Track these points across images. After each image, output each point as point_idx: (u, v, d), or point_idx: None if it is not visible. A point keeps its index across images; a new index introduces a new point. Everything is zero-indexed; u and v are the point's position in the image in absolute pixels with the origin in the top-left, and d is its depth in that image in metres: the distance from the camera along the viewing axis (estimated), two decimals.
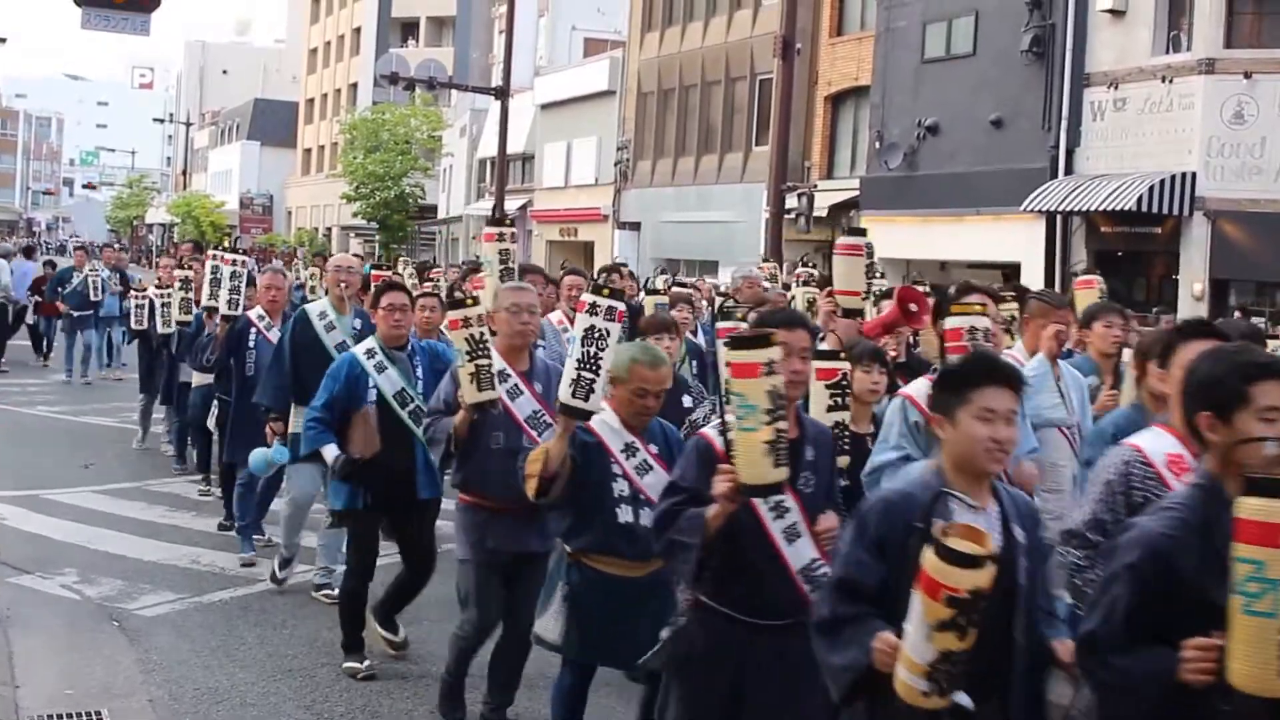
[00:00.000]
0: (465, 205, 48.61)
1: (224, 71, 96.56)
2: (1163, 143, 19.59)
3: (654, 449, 5.50)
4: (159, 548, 9.97)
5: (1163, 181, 18.92)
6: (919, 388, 5.67)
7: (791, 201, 23.68)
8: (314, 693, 6.98)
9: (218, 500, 11.75)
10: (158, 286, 14.07)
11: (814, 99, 29.02)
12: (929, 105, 24.32)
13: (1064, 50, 21.18)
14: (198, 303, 11.22)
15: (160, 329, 13.16)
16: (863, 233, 8.59)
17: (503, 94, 30.96)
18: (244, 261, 10.06)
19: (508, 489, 5.80)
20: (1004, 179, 21.86)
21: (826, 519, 4.52)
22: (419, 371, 7.37)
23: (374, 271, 11.42)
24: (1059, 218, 21.22)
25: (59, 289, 20.00)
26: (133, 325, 14.45)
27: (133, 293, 14.94)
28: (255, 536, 9.86)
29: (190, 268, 12.20)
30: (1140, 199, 18.87)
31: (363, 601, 7.35)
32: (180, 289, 11.87)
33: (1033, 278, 19.84)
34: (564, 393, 5.29)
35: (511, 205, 37.82)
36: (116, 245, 34.93)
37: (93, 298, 19.37)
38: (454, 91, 45.42)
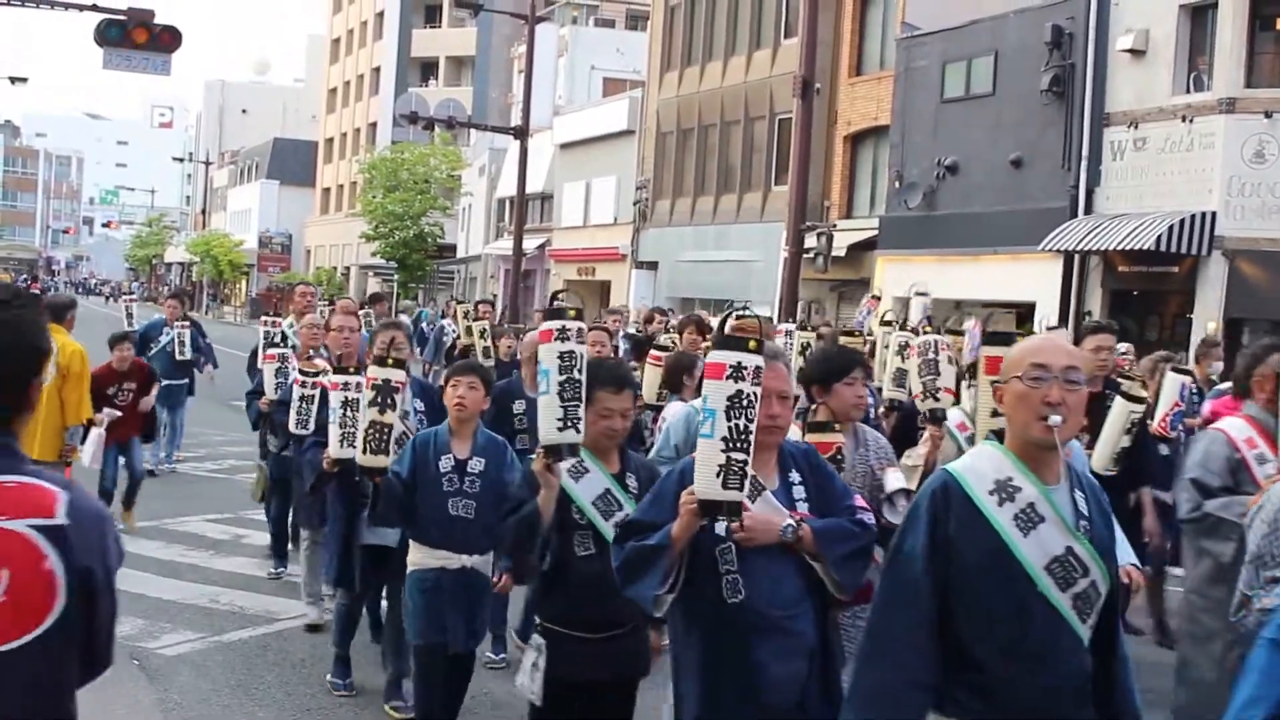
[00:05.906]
0: (484, 244, 48.85)
1: (243, 111, 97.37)
2: (1183, 182, 19.55)
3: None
4: (178, 586, 9.91)
5: (1182, 221, 18.88)
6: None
7: (810, 241, 23.64)
8: None
9: (235, 539, 11.57)
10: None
11: (833, 139, 29.09)
12: (948, 145, 24.33)
13: (1084, 90, 21.19)
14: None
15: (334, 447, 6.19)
16: None
17: (522, 133, 31.09)
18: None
19: None
20: (1023, 218, 21.84)
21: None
22: None
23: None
24: (1076, 257, 21.19)
25: (145, 349, 14.53)
26: (293, 426, 8.17)
27: (301, 377, 8.26)
28: None
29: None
30: (1160, 238, 18.82)
31: None
32: (298, 399, 7.74)
33: (1047, 317, 19.79)
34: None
35: (530, 244, 37.92)
36: (133, 286, 33.39)
37: (179, 358, 15.13)
38: (473, 131, 45.73)
